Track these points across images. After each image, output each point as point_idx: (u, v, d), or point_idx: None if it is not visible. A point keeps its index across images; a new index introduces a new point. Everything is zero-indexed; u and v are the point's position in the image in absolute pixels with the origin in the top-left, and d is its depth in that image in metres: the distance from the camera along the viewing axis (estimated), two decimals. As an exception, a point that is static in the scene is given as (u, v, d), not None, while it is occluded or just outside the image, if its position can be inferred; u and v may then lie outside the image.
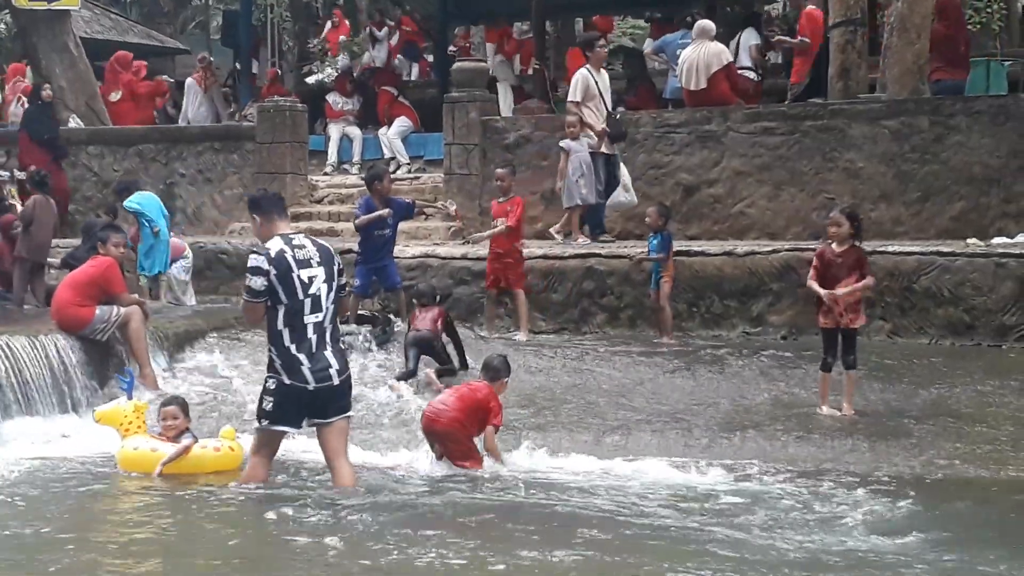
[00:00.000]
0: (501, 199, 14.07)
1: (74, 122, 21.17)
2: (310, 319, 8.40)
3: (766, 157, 15.72)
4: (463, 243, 16.06)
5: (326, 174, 20.39)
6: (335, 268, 8.61)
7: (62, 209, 18.51)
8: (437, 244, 16.13)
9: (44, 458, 10.32)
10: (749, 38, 18.94)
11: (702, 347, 13.01)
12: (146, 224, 15.00)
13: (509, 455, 10.02)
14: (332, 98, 21.63)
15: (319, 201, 19.30)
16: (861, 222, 11.30)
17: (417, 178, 19.56)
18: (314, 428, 8.72)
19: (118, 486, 9.63)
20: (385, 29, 25.27)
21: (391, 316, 13.77)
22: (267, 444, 8.77)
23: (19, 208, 16.01)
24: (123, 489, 9.55)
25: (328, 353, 8.47)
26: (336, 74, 23.43)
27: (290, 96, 21.23)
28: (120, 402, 10.33)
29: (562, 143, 15.31)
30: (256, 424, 8.77)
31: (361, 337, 13.10)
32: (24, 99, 22.34)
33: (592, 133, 15.23)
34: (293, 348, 8.37)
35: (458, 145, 17.66)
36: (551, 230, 15.69)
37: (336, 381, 8.50)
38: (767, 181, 15.73)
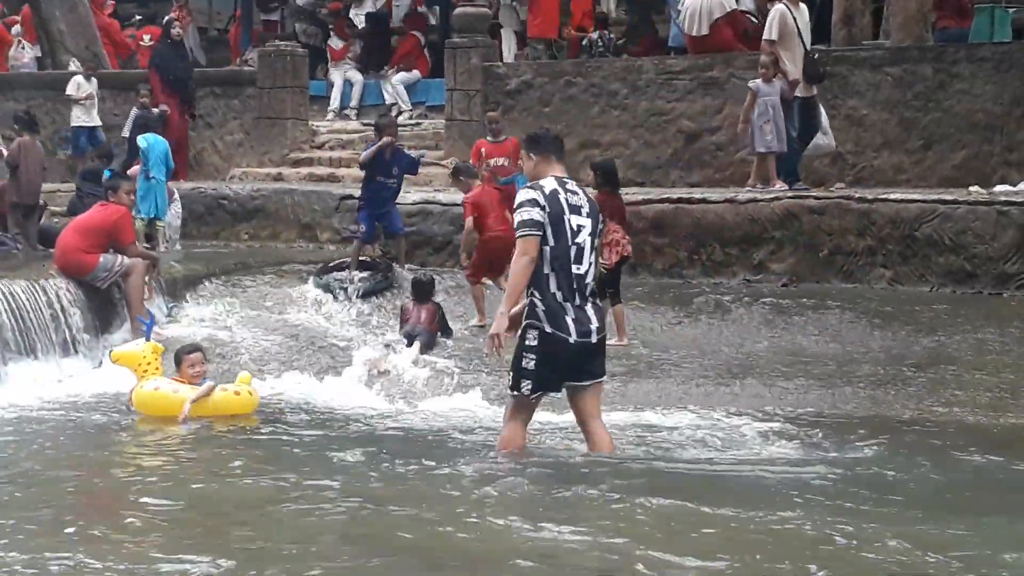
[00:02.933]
0: (493, 139, 13.95)
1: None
2: (575, 269, 7.78)
3: (768, 104, 15.63)
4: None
5: (328, 120, 20.32)
6: (598, 223, 8.05)
7: (181, 156, 18.29)
8: (438, 190, 16.09)
9: (45, 400, 10.43)
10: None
11: (703, 294, 13.00)
12: (144, 166, 14.96)
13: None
14: (333, 41, 21.52)
15: (320, 147, 19.24)
16: (604, 172, 12.08)
17: (418, 124, 19.51)
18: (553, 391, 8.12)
19: (122, 427, 9.69)
20: None
21: (392, 263, 13.74)
22: (525, 409, 8.04)
23: (4, 152, 15.81)
24: (128, 430, 9.63)
25: (589, 308, 7.83)
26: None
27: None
28: (138, 343, 10.44)
29: (751, 83, 14.44)
30: (514, 392, 7.95)
31: (354, 285, 13.23)
32: (24, 42, 22.24)
33: (785, 76, 14.26)
34: (560, 296, 7.74)
35: (459, 91, 17.59)
36: (748, 184, 14.56)
37: (594, 339, 7.85)
38: (769, 128, 15.65)
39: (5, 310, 11.40)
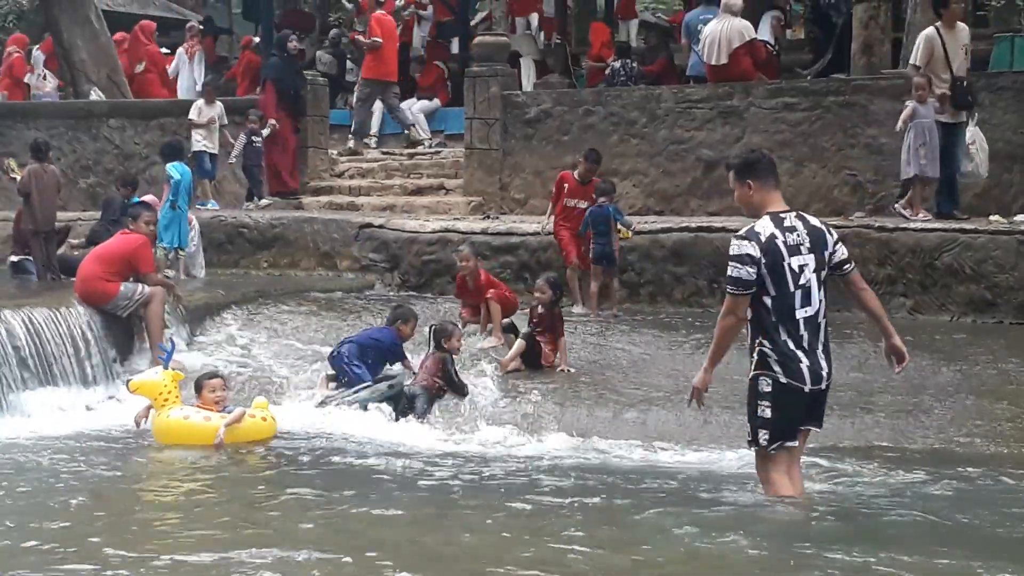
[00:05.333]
0: (581, 181, 14.03)
1: (95, 94, 21.18)
2: (801, 314, 7.31)
3: (788, 133, 15.65)
4: (484, 218, 16.05)
5: (349, 148, 20.36)
6: (826, 254, 7.46)
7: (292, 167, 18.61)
8: (457, 219, 16.12)
9: (66, 429, 10.46)
10: (771, 14, 18.94)
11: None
12: (171, 196, 15.08)
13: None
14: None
15: (339, 175, 19.31)
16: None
17: (438, 152, 19.55)
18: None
19: (145, 458, 9.70)
20: (430, 8, 24.86)
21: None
22: (771, 461, 7.56)
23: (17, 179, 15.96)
24: (153, 461, 9.64)
25: (820, 353, 7.40)
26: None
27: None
28: (156, 371, 10.41)
29: (907, 102, 13.89)
30: (754, 446, 7.56)
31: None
32: (46, 71, 22.32)
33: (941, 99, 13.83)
34: (791, 343, 7.31)
35: (479, 120, 17.62)
36: (896, 207, 14.06)
37: (824, 385, 7.45)
38: (789, 157, 15.62)
39: (25, 338, 11.43)
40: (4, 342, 11.24)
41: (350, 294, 14.61)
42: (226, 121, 18.53)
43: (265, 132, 18.09)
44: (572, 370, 11.82)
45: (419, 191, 18.35)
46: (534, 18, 23.25)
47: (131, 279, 12.35)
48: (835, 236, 7.65)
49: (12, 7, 28.08)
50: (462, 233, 14.99)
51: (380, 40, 19.77)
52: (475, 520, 7.59)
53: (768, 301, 7.32)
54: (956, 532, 7.30)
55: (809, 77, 17.59)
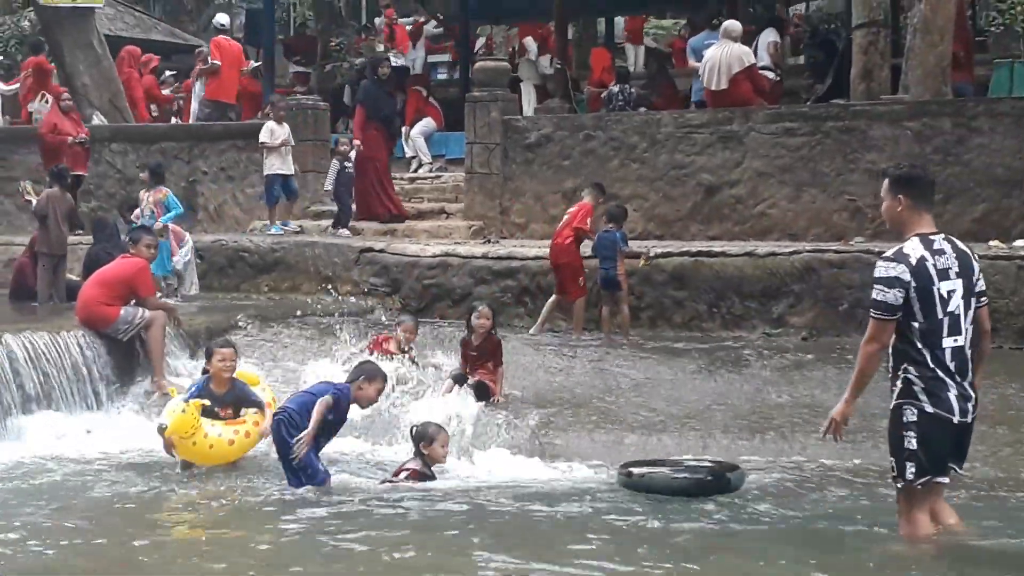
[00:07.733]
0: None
1: (97, 119, 21.22)
2: (948, 343, 6.92)
3: (787, 158, 15.69)
4: (484, 242, 16.08)
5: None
6: (974, 279, 7.06)
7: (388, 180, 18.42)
8: (458, 243, 16.14)
9: (67, 454, 10.44)
10: (768, 36, 19.00)
11: (722, 348, 12.99)
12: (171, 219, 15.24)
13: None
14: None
15: (340, 199, 19.32)
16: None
17: (438, 177, 19.60)
18: None
19: (146, 484, 9.64)
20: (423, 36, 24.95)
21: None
22: (917, 498, 7.15)
23: (33, 202, 16.09)
24: (152, 487, 9.57)
25: (968, 384, 7.02)
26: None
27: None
28: (178, 405, 9.83)
29: None
30: (900, 481, 7.13)
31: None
32: (48, 96, 22.36)
33: None
34: (940, 371, 6.92)
35: (479, 144, 17.65)
36: None
37: (969, 418, 7.06)
38: (788, 182, 15.69)
39: (26, 362, 11.45)
40: (4, 366, 11.25)
41: (350, 318, 14.59)
42: (293, 142, 18.16)
43: (352, 154, 17.88)
44: (507, 397, 11.67)
45: (420, 215, 18.38)
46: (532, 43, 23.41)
47: (131, 303, 12.38)
48: (978, 268, 7.22)
49: (14, 32, 28.19)
50: (463, 257, 15.02)
51: (219, 63, 20.87)
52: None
53: (916, 327, 6.94)
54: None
55: (808, 102, 17.62)
